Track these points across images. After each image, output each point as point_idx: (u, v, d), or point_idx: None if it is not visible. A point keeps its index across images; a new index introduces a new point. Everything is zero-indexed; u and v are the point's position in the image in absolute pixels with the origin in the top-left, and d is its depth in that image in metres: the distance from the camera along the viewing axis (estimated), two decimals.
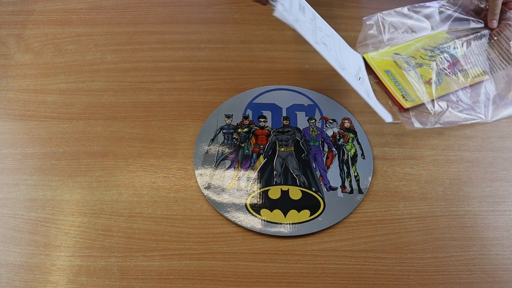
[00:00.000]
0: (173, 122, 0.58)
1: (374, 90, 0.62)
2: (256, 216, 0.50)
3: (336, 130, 0.59)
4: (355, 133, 0.58)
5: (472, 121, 0.59)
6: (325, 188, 0.53)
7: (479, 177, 0.55)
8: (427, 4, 0.70)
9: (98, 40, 0.68)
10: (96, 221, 0.50)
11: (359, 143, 0.57)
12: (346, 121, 0.59)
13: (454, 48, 0.66)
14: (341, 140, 0.58)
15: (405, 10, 0.69)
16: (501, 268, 0.48)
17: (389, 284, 0.47)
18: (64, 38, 0.68)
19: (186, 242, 0.49)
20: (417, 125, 0.57)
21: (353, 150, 0.56)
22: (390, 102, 0.61)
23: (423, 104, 0.60)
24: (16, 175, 0.54)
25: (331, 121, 0.59)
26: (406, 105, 0.60)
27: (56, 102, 0.61)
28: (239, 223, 0.50)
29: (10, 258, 0.48)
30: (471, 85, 0.63)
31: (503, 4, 0.66)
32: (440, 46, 0.66)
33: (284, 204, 0.52)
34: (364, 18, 0.68)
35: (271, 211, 0.51)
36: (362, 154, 0.56)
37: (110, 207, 0.51)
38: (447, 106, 0.59)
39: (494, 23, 0.67)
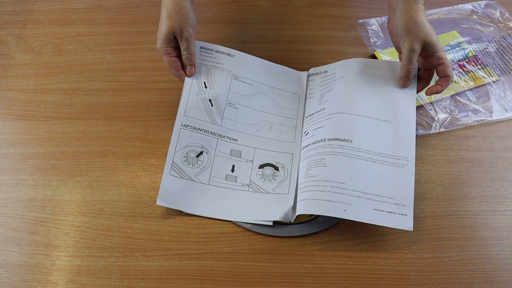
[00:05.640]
0: (173, 122, 0.58)
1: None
2: None
3: None
4: None
5: (480, 122, 0.59)
6: None
7: (479, 177, 0.55)
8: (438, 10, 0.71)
9: (98, 40, 0.68)
10: (96, 221, 0.50)
11: None
12: None
13: (465, 48, 0.66)
14: None
15: None
16: (501, 268, 0.48)
17: (389, 284, 0.47)
18: (64, 38, 0.68)
19: (186, 242, 0.49)
20: (421, 131, 0.58)
21: None
22: None
23: (431, 103, 0.60)
24: (16, 175, 0.54)
25: None
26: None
27: (56, 102, 0.61)
28: (239, 223, 0.50)
29: (10, 258, 0.48)
30: (480, 86, 0.63)
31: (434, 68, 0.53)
32: (451, 46, 0.67)
33: None
34: (359, 21, 0.69)
35: None
36: None
37: (110, 207, 0.51)
38: (455, 108, 0.60)
39: (406, 82, 0.52)
